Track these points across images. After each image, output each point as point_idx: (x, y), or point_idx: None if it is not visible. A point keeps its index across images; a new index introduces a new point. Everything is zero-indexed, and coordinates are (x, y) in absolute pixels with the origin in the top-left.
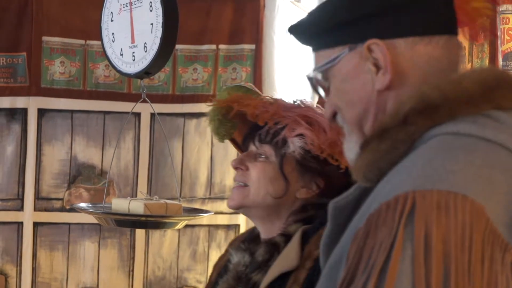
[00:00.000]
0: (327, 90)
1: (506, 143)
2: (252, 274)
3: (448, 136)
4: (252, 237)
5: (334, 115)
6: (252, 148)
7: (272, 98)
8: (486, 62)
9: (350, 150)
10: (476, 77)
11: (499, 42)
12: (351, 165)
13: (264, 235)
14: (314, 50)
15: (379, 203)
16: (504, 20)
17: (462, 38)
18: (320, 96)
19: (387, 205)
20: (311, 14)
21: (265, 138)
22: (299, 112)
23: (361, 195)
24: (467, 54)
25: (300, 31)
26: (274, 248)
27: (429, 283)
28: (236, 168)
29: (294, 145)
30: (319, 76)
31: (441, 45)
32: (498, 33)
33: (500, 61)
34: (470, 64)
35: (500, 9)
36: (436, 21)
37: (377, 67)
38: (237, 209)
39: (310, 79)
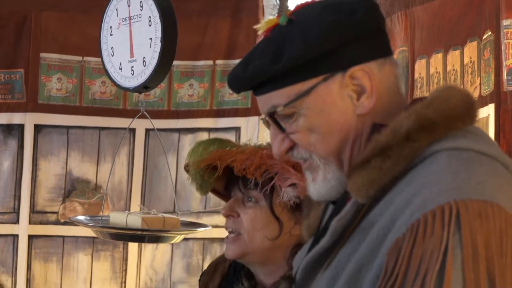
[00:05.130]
0: (287, 126)
1: (497, 155)
2: None
3: (452, 151)
4: (245, 274)
5: (288, 150)
6: (238, 193)
7: (251, 147)
8: (492, 76)
9: (327, 180)
10: (460, 95)
11: (503, 56)
12: (324, 194)
13: (265, 278)
14: (274, 89)
15: (419, 214)
16: (509, 35)
17: (471, 53)
18: (282, 130)
19: (432, 215)
20: (262, 56)
21: (252, 185)
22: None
23: (356, 212)
24: (476, 68)
25: (260, 74)
26: None
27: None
28: (227, 216)
29: (288, 194)
30: (283, 112)
31: (393, 64)
32: (502, 48)
33: (504, 76)
34: (478, 78)
35: (504, 24)
36: (388, 42)
37: (357, 92)
38: (237, 259)
39: (273, 117)
